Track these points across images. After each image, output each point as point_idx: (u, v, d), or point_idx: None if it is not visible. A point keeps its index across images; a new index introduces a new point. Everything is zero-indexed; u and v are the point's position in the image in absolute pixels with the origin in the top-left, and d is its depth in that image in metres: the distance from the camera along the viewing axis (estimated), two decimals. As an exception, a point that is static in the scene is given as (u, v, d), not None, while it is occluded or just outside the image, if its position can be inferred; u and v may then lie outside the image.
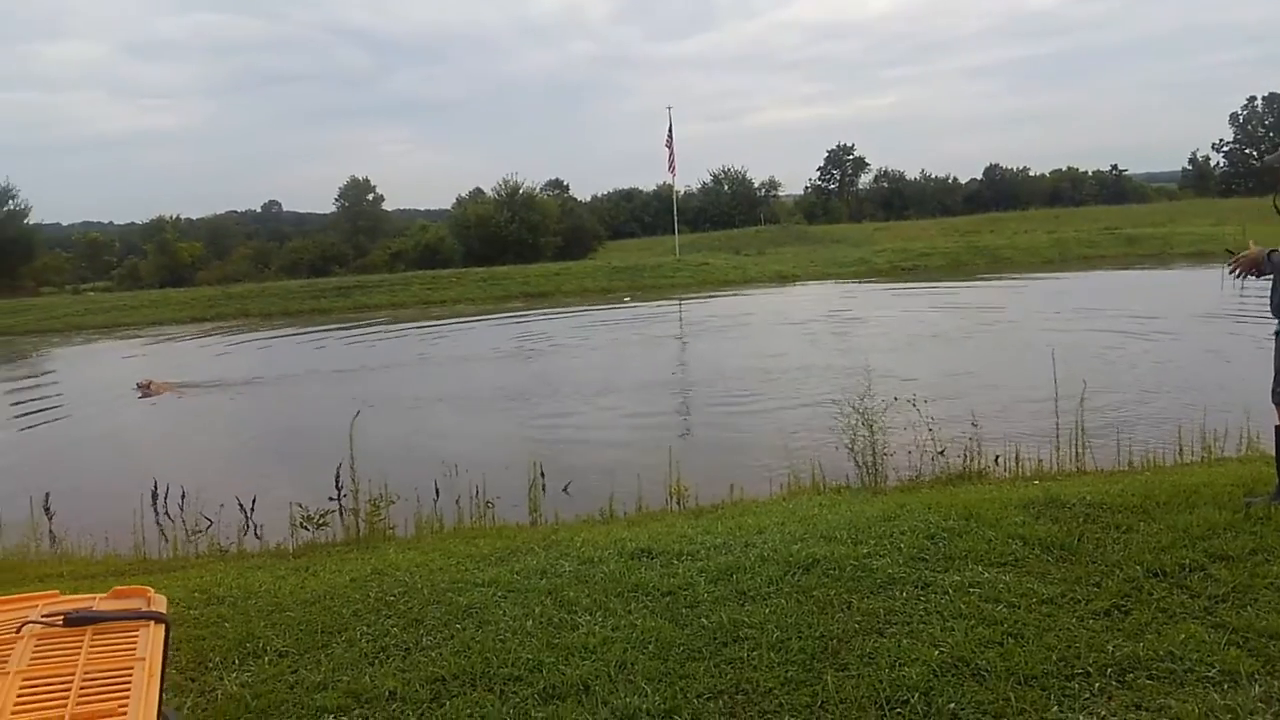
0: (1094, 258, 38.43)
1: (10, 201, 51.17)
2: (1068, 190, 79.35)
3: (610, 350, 20.39)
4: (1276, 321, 4.54)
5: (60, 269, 54.74)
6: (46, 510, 8.04)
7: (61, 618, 1.89)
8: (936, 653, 3.37)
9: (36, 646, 1.80)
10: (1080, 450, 7.98)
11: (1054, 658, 3.30)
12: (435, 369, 19.08)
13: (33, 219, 52.92)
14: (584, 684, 3.35)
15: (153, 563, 6.81)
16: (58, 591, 2.12)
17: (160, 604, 2.02)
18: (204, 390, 17.50)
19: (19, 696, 1.61)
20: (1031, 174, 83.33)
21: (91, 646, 1.80)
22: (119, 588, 2.08)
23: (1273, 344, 4.60)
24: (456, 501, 7.69)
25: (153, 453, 12.46)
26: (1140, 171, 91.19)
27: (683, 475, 8.04)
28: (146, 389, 17.05)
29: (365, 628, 4.06)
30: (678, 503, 7.63)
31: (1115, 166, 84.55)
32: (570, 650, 3.64)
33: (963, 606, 3.77)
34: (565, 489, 8.83)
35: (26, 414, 16.20)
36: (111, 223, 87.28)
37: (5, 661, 1.74)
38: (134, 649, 1.80)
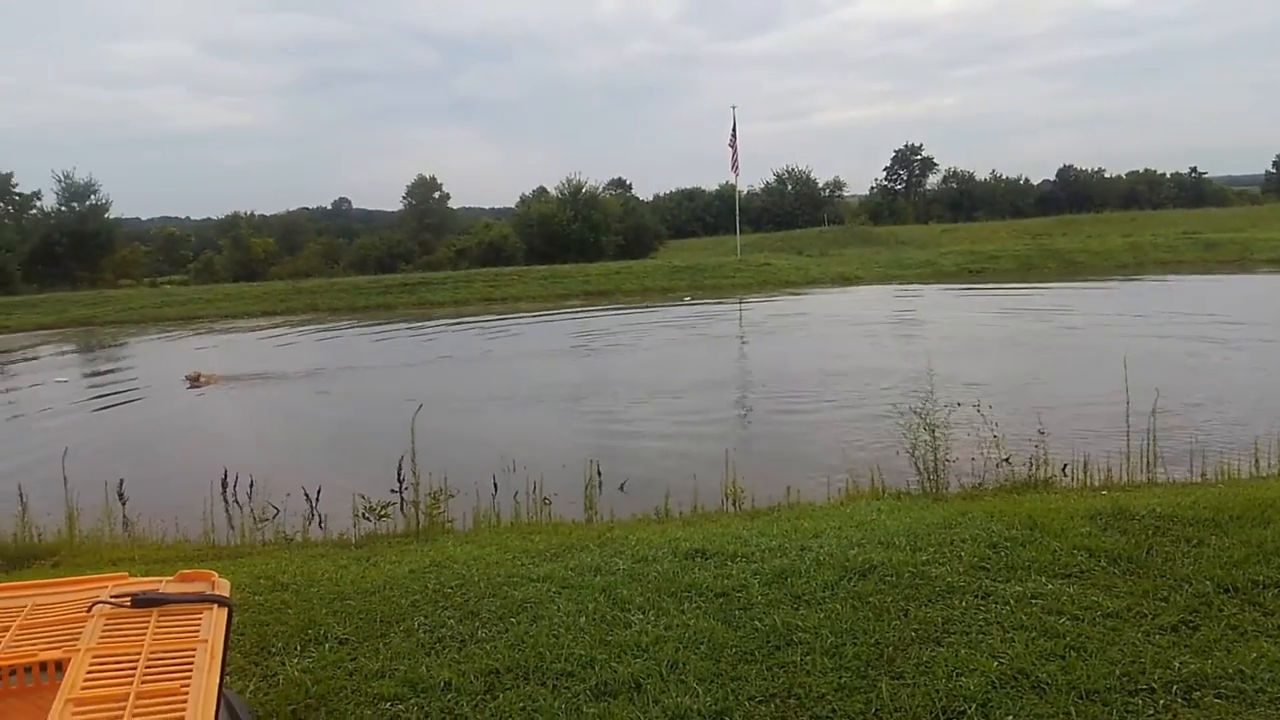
0: (1171, 263, 37.30)
1: (92, 195, 52.99)
2: (1144, 193, 77.18)
3: (669, 350, 20.38)
4: None
5: (139, 262, 56.48)
6: (120, 496, 8.30)
7: (129, 599, 1.95)
8: (996, 664, 3.31)
9: (105, 625, 1.87)
10: (1152, 460, 7.74)
11: (1118, 673, 3.21)
12: (495, 365, 19.28)
13: (113, 213, 54.72)
14: (636, 682, 3.37)
15: (221, 549, 7.01)
16: (127, 574, 2.19)
17: (224, 588, 2.07)
18: (259, 382, 17.93)
19: (88, 672, 1.67)
20: (1107, 175, 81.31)
21: (157, 627, 1.86)
22: (184, 571, 2.14)
23: None
24: (514, 497, 7.76)
25: (213, 442, 12.78)
26: (1220, 174, 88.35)
27: (739, 476, 8.00)
28: (195, 381, 17.57)
29: (423, 618, 4.13)
30: (733, 504, 7.60)
31: (1194, 169, 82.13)
32: (623, 648, 3.65)
33: (1024, 618, 3.70)
34: (621, 487, 8.86)
35: (100, 396, 17.00)
36: (188, 218, 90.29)
37: (76, 639, 1.80)
38: (197, 631, 1.85)
